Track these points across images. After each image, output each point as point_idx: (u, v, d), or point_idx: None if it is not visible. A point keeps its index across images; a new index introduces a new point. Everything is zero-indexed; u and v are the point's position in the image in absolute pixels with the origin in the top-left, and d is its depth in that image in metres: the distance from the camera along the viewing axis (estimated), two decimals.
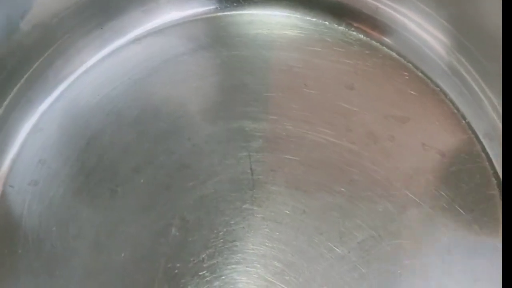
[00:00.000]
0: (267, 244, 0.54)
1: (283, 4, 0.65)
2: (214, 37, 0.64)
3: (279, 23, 0.64)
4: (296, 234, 0.54)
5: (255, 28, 0.64)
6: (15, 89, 0.59)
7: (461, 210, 0.56)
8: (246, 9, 0.65)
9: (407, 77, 0.62)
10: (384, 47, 0.64)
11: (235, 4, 0.65)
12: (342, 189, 0.56)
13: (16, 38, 0.58)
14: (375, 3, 0.64)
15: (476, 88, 0.61)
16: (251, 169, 0.57)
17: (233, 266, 0.53)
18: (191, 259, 0.53)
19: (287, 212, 0.55)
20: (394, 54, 0.63)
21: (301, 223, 0.55)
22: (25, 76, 0.60)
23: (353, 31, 0.64)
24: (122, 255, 0.54)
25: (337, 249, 0.54)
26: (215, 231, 0.55)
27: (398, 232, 0.55)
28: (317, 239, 0.54)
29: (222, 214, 0.55)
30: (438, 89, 0.62)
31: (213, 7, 0.65)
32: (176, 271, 0.53)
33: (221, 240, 0.54)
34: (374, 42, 0.63)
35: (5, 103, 0.59)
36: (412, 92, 0.61)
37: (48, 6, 0.58)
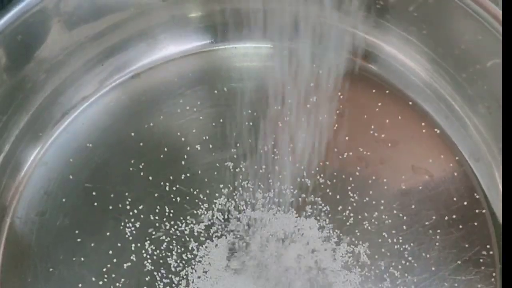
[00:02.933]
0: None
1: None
2: (210, 71, 0.66)
3: (271, 55, 0.66)
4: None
5: (249, 61, 0.66)
6: (21, 125, 0.61)
7: (451, 229, 0.58)
8: (240, 42, 0.67)
9: (395, 103, 0.64)
10: (372, 75, 0.66)
11: (229, 38, 0.67)
12: (336, 211, 0.58)
13: (24, 73, 0.60)
14: (363, 34, 0.66)
15: (461, 112, 0.63)
16: (244, 200, 0.59)
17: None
18: None
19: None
20: (382, 82, 0.65)
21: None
22: (31, 112, 0.62)
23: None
24: (127, 282, 0.56)
25: (333, 264, 0.56)
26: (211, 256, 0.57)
27: (391, 251, 0.57)
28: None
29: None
30: (425, 113, 0.64)
31: (209, 41, 0.68)
32: None
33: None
34: (363, 71, 0.65)
35: (12, 138, 0.61)
36: (400, 117, 0.63)
37: (54, 44, 0.61)
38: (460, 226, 0.58)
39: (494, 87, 0.58)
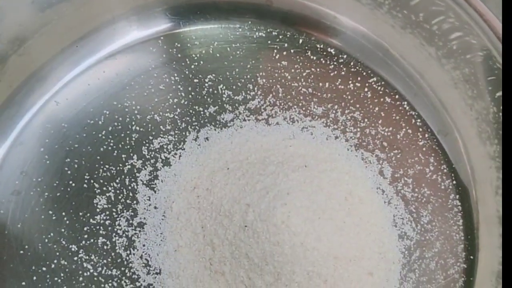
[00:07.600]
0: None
1: (246, 18, 0.68)
2: (181, 51, 0.66)
3: (242, 35, 0.67)
4: None
5: (219, 40, 0.67)
6: None
7: (420, 201, 0.60)
8: (210, 23, 0.68)
9: (365, 81, 0.65)
10: (339, 52, 0.66)
11: (201, 19, 0.68)
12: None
13: None
14: (333, 12, 0.66)
15: (429, 90, 0.64)
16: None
17: None
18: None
19: None
20: (352, 60, 0.66)
21: None
22: (6, 93, 0.62)
23: (313, 40, 0.67)
24: (102, 258, 0.57)
25: None
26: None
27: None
28: None
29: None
30: (395, 91, 0.65)
31: (178, 22, 0.68)
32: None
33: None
34: (332, 49, 0.66)
35: None
36: (369, 94, 0.64)
37: (27, 25, 0.61)
38: (430, 199, 0.60)
39: (462, 64, 0.59)
